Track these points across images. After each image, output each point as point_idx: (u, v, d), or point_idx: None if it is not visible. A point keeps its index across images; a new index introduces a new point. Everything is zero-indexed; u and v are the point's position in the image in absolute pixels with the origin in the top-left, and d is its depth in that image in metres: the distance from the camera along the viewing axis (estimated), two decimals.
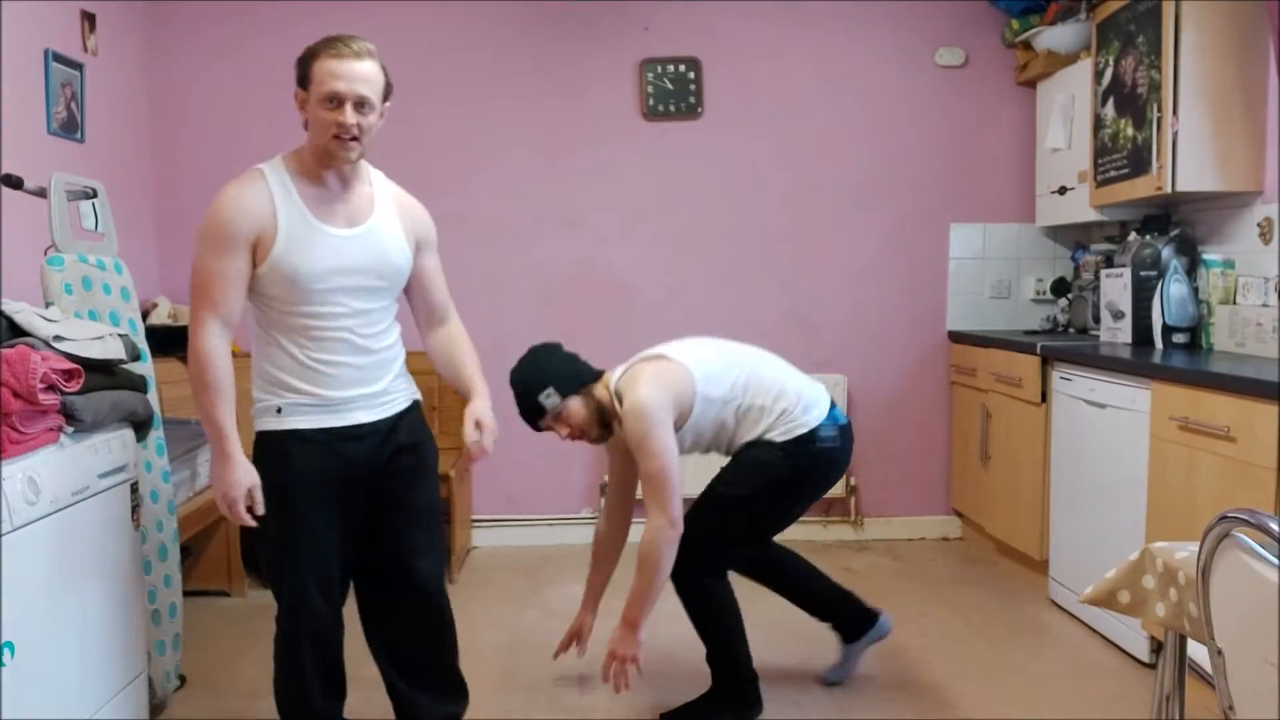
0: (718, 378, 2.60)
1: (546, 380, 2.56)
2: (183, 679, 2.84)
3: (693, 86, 4.23)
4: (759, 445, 2.62)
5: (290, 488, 2.07)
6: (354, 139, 1.99)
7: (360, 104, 1.99)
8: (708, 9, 4.24)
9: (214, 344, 1.99)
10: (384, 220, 2.12)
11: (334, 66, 1.99)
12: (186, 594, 2.94)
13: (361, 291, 2.08)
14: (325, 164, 2.04)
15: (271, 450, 2.09)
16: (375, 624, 2.33)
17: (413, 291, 2.26)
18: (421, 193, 4.48)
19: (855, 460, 4.34)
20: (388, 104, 2.09)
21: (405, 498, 2.22)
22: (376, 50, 2.07)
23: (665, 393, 2.51)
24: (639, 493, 2.64)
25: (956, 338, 4.32)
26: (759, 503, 2.63)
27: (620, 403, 2.55)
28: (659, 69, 4.23)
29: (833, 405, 2.69)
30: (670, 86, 4.24)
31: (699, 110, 4.26)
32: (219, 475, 2.01)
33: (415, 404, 2.27)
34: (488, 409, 2.22)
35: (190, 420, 3.43)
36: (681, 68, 4.24)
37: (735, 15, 4.25)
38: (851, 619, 2.86)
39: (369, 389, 2.13)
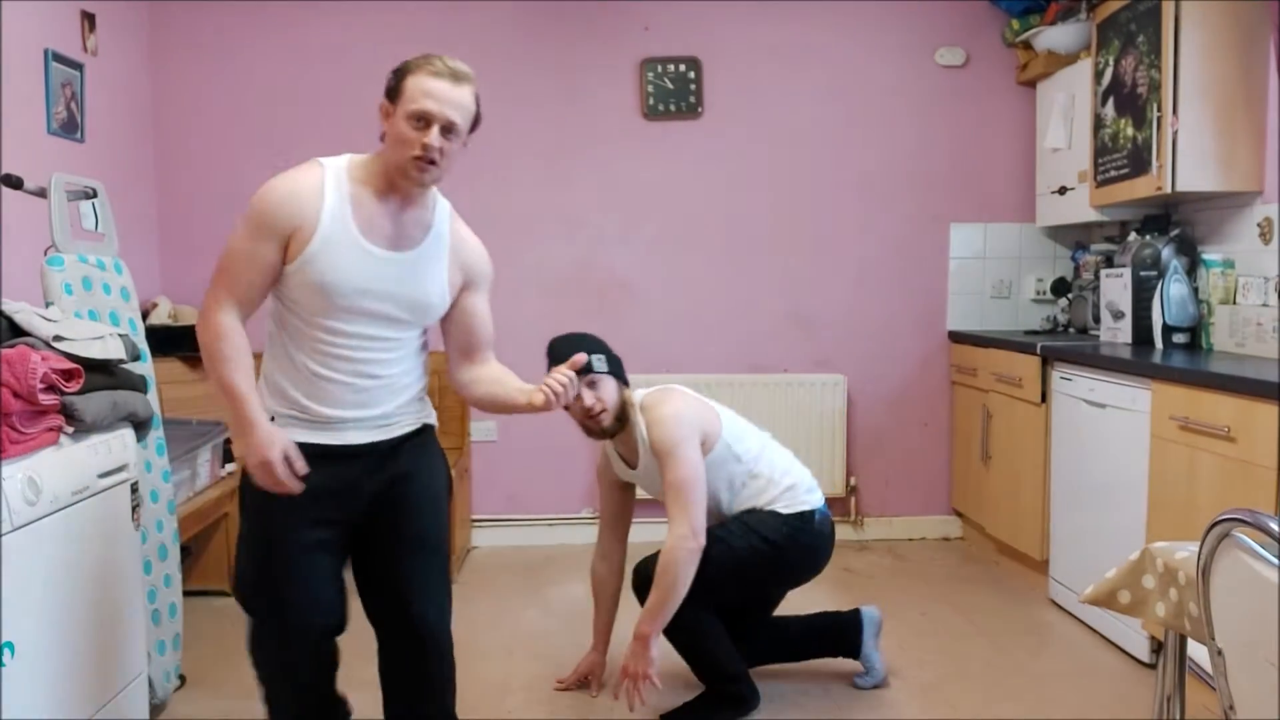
0: (741, 436, 2.69)
1: (603, 350, 2.64)
2: (183, 679, 2.84)
3: (693, 86, 4.23)
4: (761, 512, 2.65)
5: (274, 500, 1.92)
6: (432, 163, 1.88)
7: (448, 129, 1.89)
8: (708, 9, 4.24)
9: (227, 319, 1.90)
10: (431, 253, 2.00)
11: (430, 85, 1.88)
12: (186, 594, 2.94)
13: (384, 319, 1.96)
14: (395, 182, 1.93)
15: None
16: (380, 659, 2.20)
17: (451, 327, 2.12)
18: None
19: (855, 460, 4.38)
20: (474, 133, 2.00)
21: (404, 529, 2.08)
22: (475, 78, 1.98)
23: (695, 414, 2.61)
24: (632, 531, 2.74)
25: (957, 338, 4.32)
26: (749, 561, 2.61)
27: (640, 414, 2.61)
28: (659, 69, 4.23)
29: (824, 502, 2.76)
30: (670, 86, 4.24)
31: (699, 110, 4.26)
32: (247, 443, 1.88)
33: (425, 428, 2.13)
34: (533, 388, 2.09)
35: (190, 420, 3.44)
36: (681, 68, 4.24)
37: (735, 15, 4.25)
38: (842, 636, 2.85)
39: (367, 412, 2.00)
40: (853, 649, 2.83)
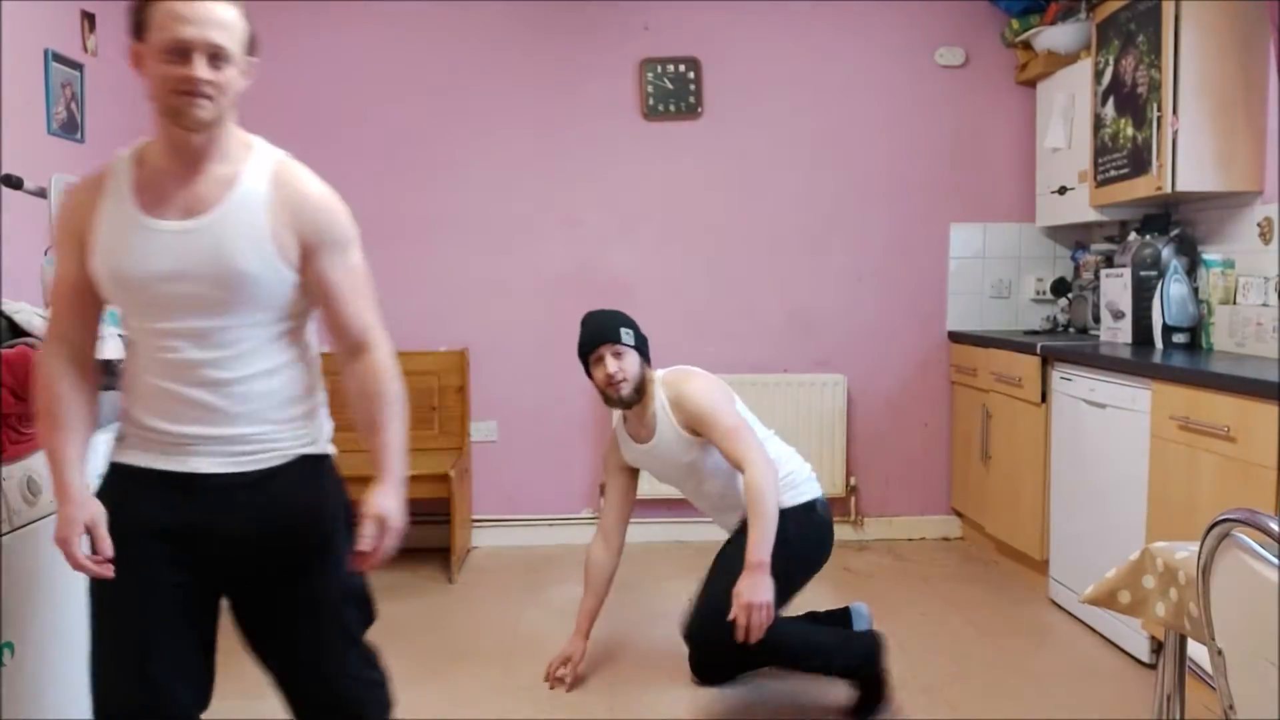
0: (751, 421, 2.79)
1: (632, 326, 2.78)
2: None
3: (693, 86, 4.23)
4: None
5: (117, 541, 1.60)
6: (203, 95, 1.52)
7: (216, 55, 1.52)
8: (708, 9, 4.24)
9: (51, 366, 1.63)
10: (237, 212, 1.59)
11: (179, 8, 1.50)
12: None
13: (201, 305, 1.58)
14: (176, 141, 1.57)
15: (104, 484, 1.69)
16: None
17: (320, 309, 1.72)
18: (420, 192, 4.51)
19: (855, 460, 4.38)
20: (255, 61, 1.63)
21: (288, 590, 1.71)
22: None
23: (721, 389, 2.79)
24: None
25: (956, 337, 4.32)
26: (773, 567, 2.60)
27: (661, 389, 2.76)
28: (659, 69, 4.23)
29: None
30: (670, 86, 4.24)
31: (699, 110, 4.26)
32: (58, 515, 1.61)
33: (308, 459, 1.71)
34: (395, 503, 1.67)
35: None
36: (681, 68, 4.23)
37: (735, 15, 4.24)
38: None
39: (217, 430, 1.62)
40: None
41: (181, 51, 1.50)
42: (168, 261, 1.56)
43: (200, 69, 1.50)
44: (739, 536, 2.67)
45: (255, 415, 1.63)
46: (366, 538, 1.63)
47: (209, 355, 1.59)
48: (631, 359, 2.73)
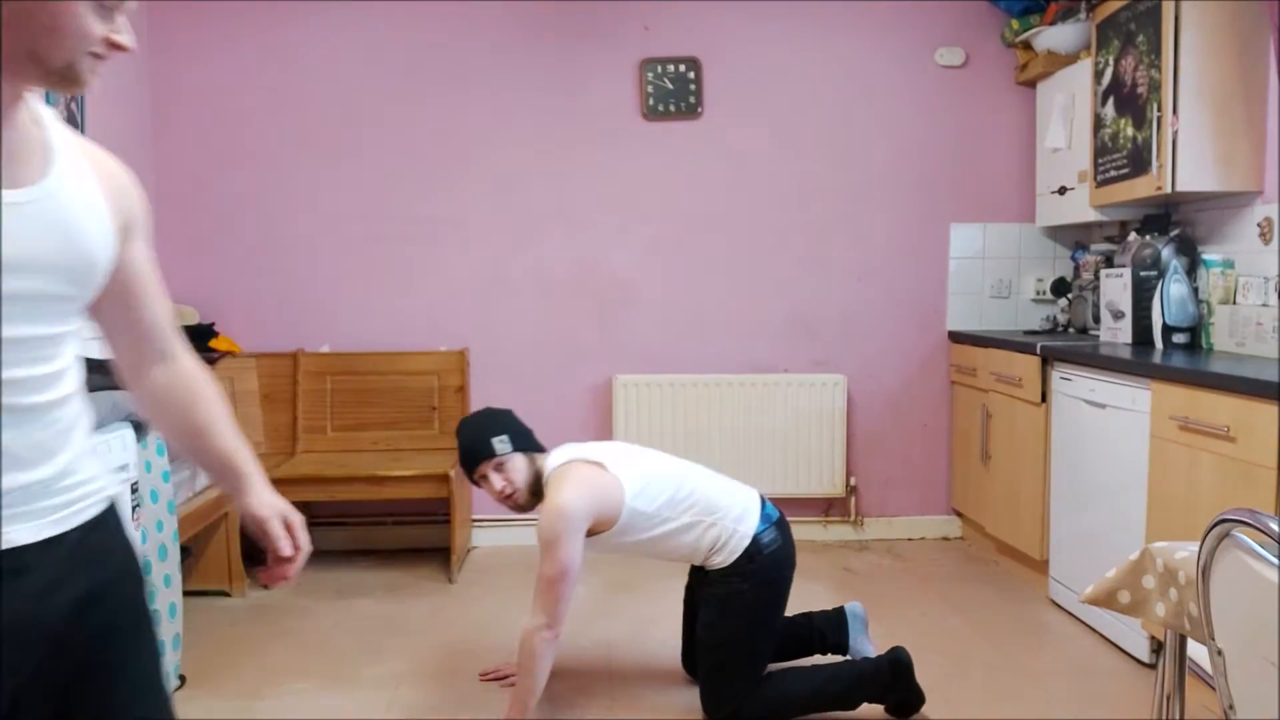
0: (651, 494, 2.60)
1: (504, 430, 2.64)
2: (183, 679, 2.84)
3: (693, 86, 4.23)
4: (715, 583, 2.63)
5: None
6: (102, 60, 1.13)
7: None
8: (708, 9, 4.24)
9: None
10: (71, 181, 1.16)
11: None
12: (186, 594, 2.94)
13: (35, 304, 1.12)
14: (18, 89, 1.12)
15: None
16: None
17: (109, 304, 1.30)
18: (421, 192, 4.53)
19: (855, 460, 4.38)
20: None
21: (108, 666, 1.19)
22: None
23: (588, 502, 2.51)
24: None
25: (956, 337, 4.32)
26: (748, 633, 2.62)
27: (545, 490, 2.60)
28: (659, 69, 4.23)
29: (763, 503, 2.71)
30: (670, 86, 4.24)
31: (699, 110, 4.26)
32: None
33: (110, 508, 1.27)
34: (279, 498, 1.41)
35: None
36: (681, 67, 4.24)
37: (735, 15, 4.25)
38: (827, 634, 2.86)
39: (34, 474, 1.13)
40: (839, 646, 2.86)
41: (111, 8, 1.11)
42: (4, 247, 1.07)
43: (127, 35, 1.14)
44: (707, 595, 2.66)
45: (69, 444, 1.21)
46: (280, 539, 1.37)
47: (29, 372, 1.13)
48: (515, 465, 2.62)
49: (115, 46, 1.13)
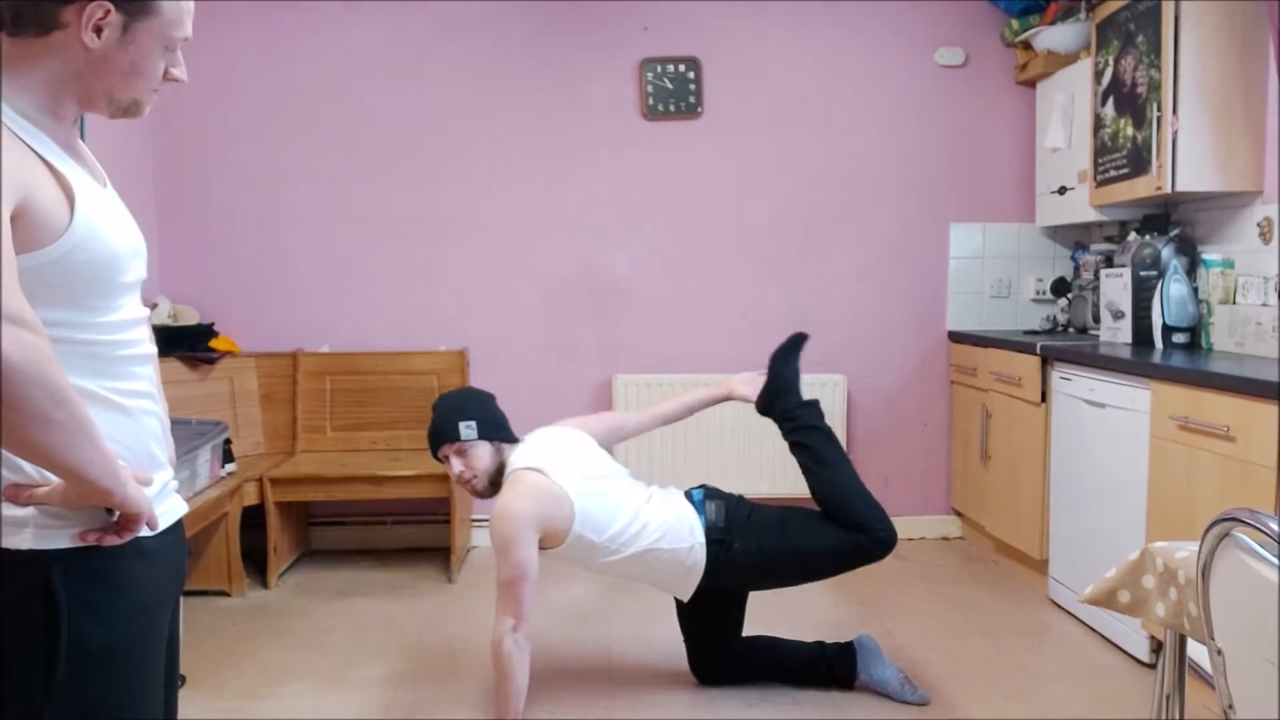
0: (599, 523, 2.59)
1: (474, 415, 2.63)
2: (183, 679, 2.84)
3: (693, 86, 4.24)
4: (724, 566, 2.64)
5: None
6: None
7: None
8: (708, 9, 4.24)
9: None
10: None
11: (191, 5, 1.33)
12: (186, 594, 2.94)
13: (138, 288, 1.33)
14: (66, 109, 1.29)
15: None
16: None
17: None
18: (421, 192, 4.52)
19: (855, 460, 4.35)
20: None
21: (175, 620, 1.43)
22: None
23: (535, 509, 2.50)
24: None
25: (956, 337, 4.32)
26: (788, 542, 2.73)
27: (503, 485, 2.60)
28: (659, 69, 4.23)
29: (689, 497, 2.71)
30: (670, 86, 4.24)
31: (699, 110, 4.26)
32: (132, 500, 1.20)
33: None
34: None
35: (190, 420, 3.44)
36: (681, 67, 4.24)
37: (735, 15, 4.25)
38: (834, 668, 2.83)
39: (169, 456, 1.38)
40: (846, 680, 2.81)
41: (173, 47, 1.34)
42: (134, 235, 1.32)
43: (180, 66, 1.36)
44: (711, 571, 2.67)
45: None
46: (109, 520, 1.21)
47: (151, 349, 1.36)
48: (478, 453, 2.62)
49: (170, 80, 1.35)
